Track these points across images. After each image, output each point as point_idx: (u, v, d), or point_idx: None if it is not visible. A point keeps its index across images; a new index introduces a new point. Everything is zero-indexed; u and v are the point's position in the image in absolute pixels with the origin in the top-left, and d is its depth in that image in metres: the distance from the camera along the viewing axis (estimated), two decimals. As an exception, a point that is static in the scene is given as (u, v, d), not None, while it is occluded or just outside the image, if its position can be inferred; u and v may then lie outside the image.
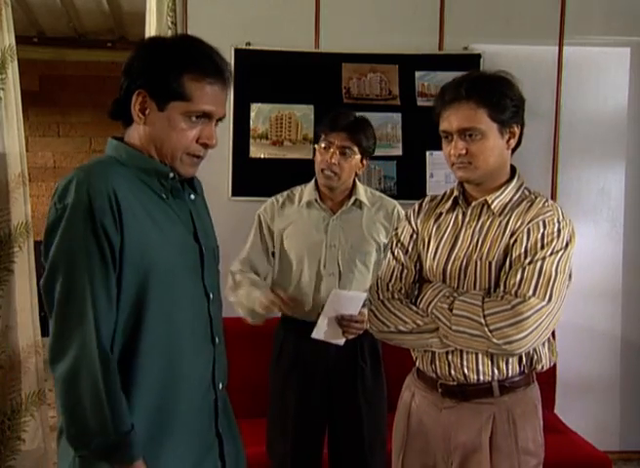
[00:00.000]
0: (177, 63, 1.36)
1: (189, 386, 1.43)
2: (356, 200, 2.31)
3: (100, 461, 1.31)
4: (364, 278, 2.29)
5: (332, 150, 2.21)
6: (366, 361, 2.28)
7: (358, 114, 2.33)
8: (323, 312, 2.16)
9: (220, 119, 1.44)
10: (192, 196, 1.50)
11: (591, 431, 3.02)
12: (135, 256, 1.32)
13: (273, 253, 2.37)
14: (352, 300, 2.15)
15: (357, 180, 2.34)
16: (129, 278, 1.32)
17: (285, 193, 2.40)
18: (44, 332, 3.11)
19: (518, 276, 1.57)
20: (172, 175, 1.41)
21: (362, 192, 2.34)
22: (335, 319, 2.15)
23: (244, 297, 2.25)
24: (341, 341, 2.19)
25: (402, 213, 2.32)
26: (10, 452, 2.94)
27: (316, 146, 2.29)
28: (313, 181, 2.34)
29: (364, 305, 2.04)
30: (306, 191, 2.34)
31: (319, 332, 2.16)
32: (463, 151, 1.64)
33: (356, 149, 2.23)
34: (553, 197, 3.31)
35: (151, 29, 3.03)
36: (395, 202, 2.41)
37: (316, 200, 2.31)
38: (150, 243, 1.34)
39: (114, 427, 1.28)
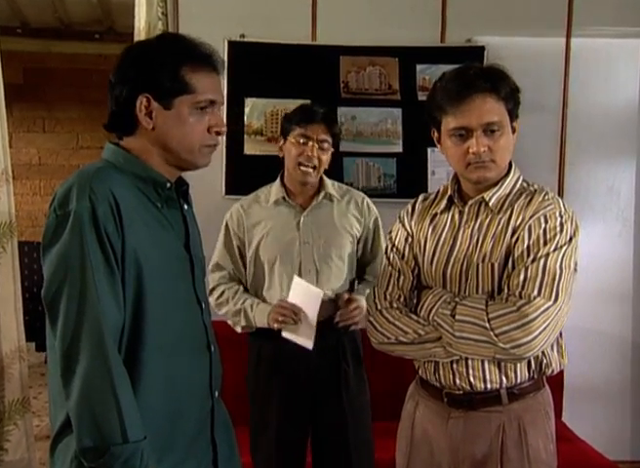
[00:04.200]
0: (171, 59, 1.39)
1: (190, 394, 1.44)
2: (326, 194, 2.29)
3: None
4: (341, 272, 2.27)
5: (311, 144, 2.18)
6: (348, 363, 2.26)
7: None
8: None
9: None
10: (186, 206, 1.52)
11: (601, 440, 2.99)
12: (131, 260, 1.33)
13: (244, 260, 2.33)
14: (311, 292, 2.11)
15: (323, 174, 2.31)
16: (127, 281, 1.33)
17: (250, 196, 2.38)
18: (28, 337, 3.11)
19: (522, 276, 1.54)
20: (169, 184, 1.43)
21: (330, 185, 2.32)
22: (305, 318, 2.11)
23: (246, 308, 2.25)
24: (310, 345, 2.13)
25: (371, 204, 2.37)
26: (-8, 463, 2.91)
27: (289, 139, 2.23)
28: (279, 179, 2.32)
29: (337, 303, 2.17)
30: (273, 190, 2.30)
31: (289, 331, 2.14)
32: (487, 148, 1.58)
33: (332, 142, 2.23)
34: (560, 195, 3.26)
35: (141, 20, 2.98)
36: (363, 194, 2.41)
37: (284, 198, 2.28)
38: (143, 247, 1.35)
39: (131, 434, 1.26)
